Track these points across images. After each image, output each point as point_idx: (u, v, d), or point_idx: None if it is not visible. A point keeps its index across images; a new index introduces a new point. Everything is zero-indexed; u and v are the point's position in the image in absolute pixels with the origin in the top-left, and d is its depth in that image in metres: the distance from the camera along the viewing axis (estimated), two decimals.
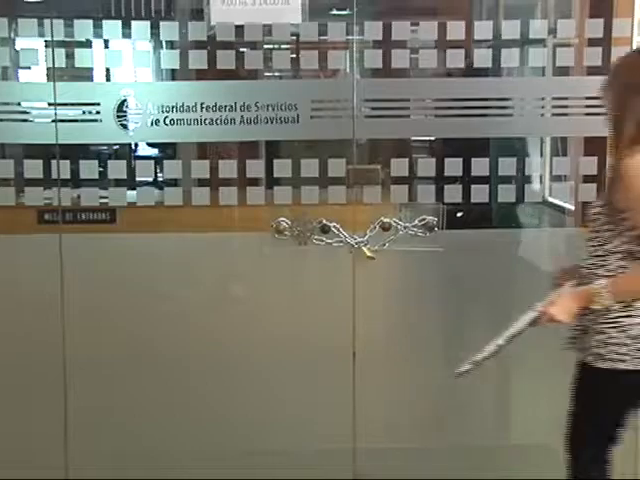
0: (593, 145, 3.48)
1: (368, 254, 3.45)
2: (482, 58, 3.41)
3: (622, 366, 2.68)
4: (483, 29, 3.40)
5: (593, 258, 2.70)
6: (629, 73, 2.68)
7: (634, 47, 3.38)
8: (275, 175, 3.48)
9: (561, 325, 2.70)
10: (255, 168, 3.47)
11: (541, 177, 3.60)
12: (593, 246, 2.69)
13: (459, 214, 3.59)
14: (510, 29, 3.40)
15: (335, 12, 3.55)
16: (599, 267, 2.68)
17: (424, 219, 3.49)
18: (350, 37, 3.42)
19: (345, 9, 3.44)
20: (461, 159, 3.45)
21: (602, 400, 2.78)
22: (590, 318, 2.70)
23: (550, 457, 3.23)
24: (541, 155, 3.65)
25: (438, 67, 3.46)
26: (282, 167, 3.46)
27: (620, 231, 2.64)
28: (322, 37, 3.42)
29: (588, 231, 2.75)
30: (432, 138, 3.63)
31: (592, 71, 3.40)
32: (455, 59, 3.42)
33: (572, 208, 3.61)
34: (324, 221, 3.46)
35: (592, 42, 3.40)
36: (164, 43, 3.44)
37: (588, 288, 2.65)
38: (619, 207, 2.63)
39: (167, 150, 3.63)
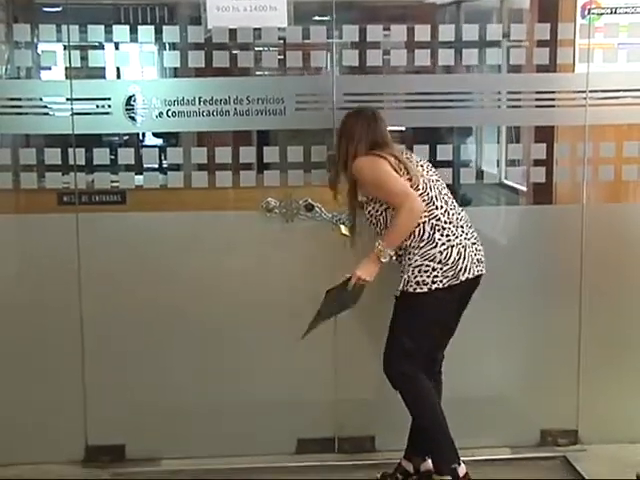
0: (542, 133, 3.75)
1: (343, 231, 3.67)
2: (446, 57, 3.63)
3: (436, 286, 3.30)
4: (446, 32, 3.62)
5: (377, 236, 3.40)
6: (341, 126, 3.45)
7: (576, 47, 3.68)
8: (265, 160, 3.67)
9: (368, 283, 3.32)
10: (247, 154, 3.66)
11: (497, 161, 3.87)
12: (375, 225, 3.43)
13: None
14: (470, 32, 3.62)
15: (317, 18, 3.69)
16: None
17: None
18: (330, 39, 3.60)
19: (326, 15, 3.62)
20: (428, 146, 3.66)
21: (422, 318, 3.36)
22: (405, 261, 3.36)
23: None
24: (497, 142, 3.92)
25: (408, 65, 3.65)
26: (271, 153, 3.66)
27: (384, 208, 3.37)
28: (306, 39, 3.59)
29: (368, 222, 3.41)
30: (403, 128, 3.83)
31: (541, 69, 3.67)
32: (422, 58, 3.62)
33: (524, 189, 3.87)
34: (309, 200, 3.68)
35: (540, 43, 3.64)
36: (167, 45, 3.60)
37: (374, 250, 3.34)
38: (370, 195, 3.40)
39: (170, 139, 3.77)
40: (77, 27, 3.53)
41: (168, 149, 3.71)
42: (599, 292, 3.81)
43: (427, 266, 3.32)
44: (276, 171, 3.69)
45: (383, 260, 3.33)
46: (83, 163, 3.61)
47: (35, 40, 3.56)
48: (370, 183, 3.39)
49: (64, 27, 3.52)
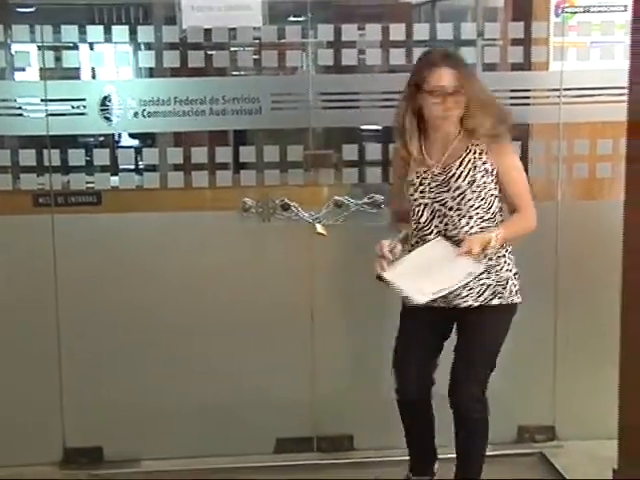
0: (517, 131, 3.57)
1: (318, 231, 3.67)
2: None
3: (517, 300, 3.21)
4: (421, 31, 3.62)
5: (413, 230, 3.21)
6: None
7: (550, 46, 3.69)
8: (241, 160, 3.66)
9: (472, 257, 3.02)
10: (224, 154, 3.65)
11: None
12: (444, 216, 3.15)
13: None
14: (445, 31, 3.62)
15: (293, 18, 3.71)
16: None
17: (372, 197, 3.72)
18: (306, 39, 3.60)
19: (301, 15, 3.62)
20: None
21: (503, 333, 3.21)
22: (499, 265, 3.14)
23: None
24: None
25: (383, 64, 3.66)
26: (247, 153, 3.66)
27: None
28: (281, 39, 3.58)
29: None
30: (379, 127, 3.84)
31: (515, 67, 3.69)
32: (398, 57, 3.62)
33: None
34: (285, 200, 3.68)
35: (514, 42, 3.65)
36: (142, 45, 3.57)
37: (487, 234, 3.07)
38: (488, 180, 3.15)
39: (146, 139, 3.77)
40: (51, 27, 3.49)
41: (144, 149, 3.69)
42: (574, 289, 3.84)
43: (517, 273, 3.23)
44: (253, 171, 3.68)
45: (488, 251, 3.08)
46: (58, 164, 3.59)
47: (8, 41, 3.53)
48: (516, 167, 3.21)
49: (38, 27, 3.48)
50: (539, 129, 3.82)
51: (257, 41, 3.65)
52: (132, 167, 3.70)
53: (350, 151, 3.70)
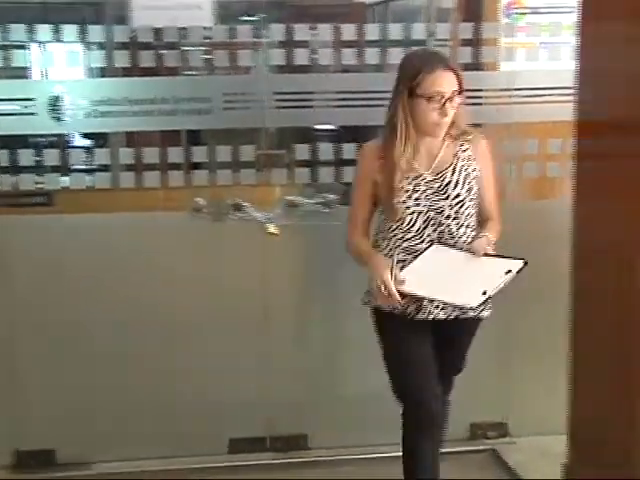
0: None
1: (270, 231, 3.66)
2: (372, 56, 3.65)
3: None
4: (373, 31, 3.63)
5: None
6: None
7: (500, 46, 3.73)
8: (194, 160, 3.65)
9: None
10: (176, 154, 3.63)
11: None
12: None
13: None
14: (397, 31, 3.62)
15: (246, 17, 3.72)
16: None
17: (325, 197, 3.71)
18: (259, 38, 3.59)
19: (254, 14, 3.65)
20: (357, 144, 3.61)
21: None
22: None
23: None
24: None
25: (336, 64, 3.67)
26: (200, 153, 3.65)
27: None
28: (233, 38, 3.57)
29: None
30: (333, 126, 3.89)
31: (468, 67, 3.66)
32: (350, 57, 3.64)
33: None
34: (237, 200, 3.66)
35: (465, 42, 3.68)
36: (92, 44, 3.54)
37: (487, 236, 3.01)
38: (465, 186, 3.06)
39: (97, 139, 3.78)
40: None
41: (95, 150, 3.67)
42: (525, 287, 3.84)
43: None
44: (205, 171, 3.67)
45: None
46: (7, 164, 3.55)
47: None
48: (493, 173, 3.16)
49: None
50: (491, 129, 3.82)
51: (208, 40, 3.64)
52: (83, 167, 3.67)
53: (303, 151, 3.70)
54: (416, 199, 2.99)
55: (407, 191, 2.99)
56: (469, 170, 3.04)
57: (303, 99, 3.69)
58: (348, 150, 3.67)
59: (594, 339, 3.00)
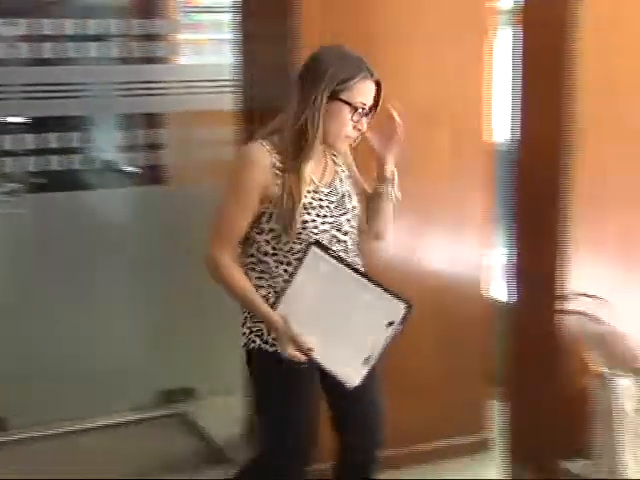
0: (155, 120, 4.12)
1: None
2: (62, 50, 3.75)
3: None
4: (51, 26, 3.71)
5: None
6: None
7: (176, 41, 4.06)
8: None
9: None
10: None
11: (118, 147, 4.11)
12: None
13: (45, 180, 3.86)
14: (77, 27, 3.77)
15: None
16: None
17: (10, 186, 3.77)
18: None
19: None
20: (52, 134, 3.79)
21: None
22: None
23: None
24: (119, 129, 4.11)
25: (26, 57, 3.73)
26: None
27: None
28: None
29: None
30: (23, 119, 3.90)
31: (148, 61, 3.94)
32: (31, 52, 3.71)
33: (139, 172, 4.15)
34: None
35: (146, 38, 3.89)
36: None
37: None
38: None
39: None
40: None
41: None
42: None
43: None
44: None
45: None
46: None
47: None
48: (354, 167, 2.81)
49: None
50: (171, 117, 4.13)
51: None
52: None
53: None
54: (323, 216, 2.57)
55: (313, 207, 2.57)
56: (348, 176, 2.71)
57: None
58: (41, 141, 3.79)
59: None
